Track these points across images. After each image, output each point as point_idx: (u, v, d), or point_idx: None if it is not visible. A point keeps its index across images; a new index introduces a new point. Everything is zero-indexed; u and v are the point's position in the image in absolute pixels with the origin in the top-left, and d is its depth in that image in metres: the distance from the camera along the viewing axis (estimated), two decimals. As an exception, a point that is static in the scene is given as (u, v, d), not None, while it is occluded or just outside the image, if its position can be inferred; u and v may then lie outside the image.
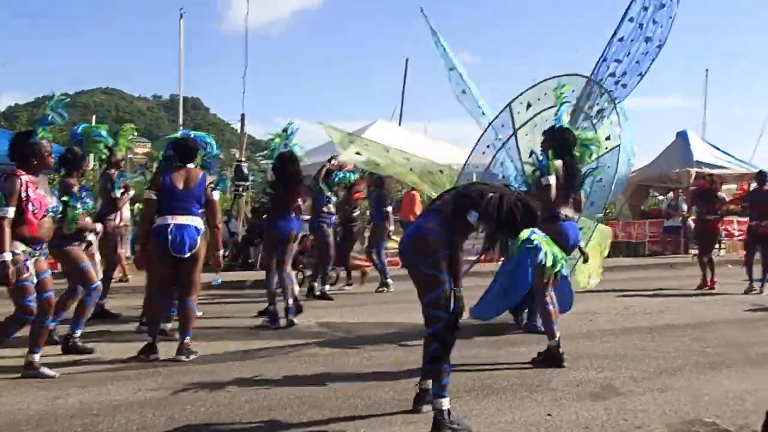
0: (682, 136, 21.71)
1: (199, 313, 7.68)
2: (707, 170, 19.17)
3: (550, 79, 7.17)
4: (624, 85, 7.48)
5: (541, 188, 6.02)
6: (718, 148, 21.04)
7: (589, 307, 9.52)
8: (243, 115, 17.76)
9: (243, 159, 17.12)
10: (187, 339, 6.31)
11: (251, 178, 16.71)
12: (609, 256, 20.81)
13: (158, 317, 6.55)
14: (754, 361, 6.09)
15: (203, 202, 6.41)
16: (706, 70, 52.38)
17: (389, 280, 11.54)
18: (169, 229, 6.12)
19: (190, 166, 6.51)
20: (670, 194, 20.97)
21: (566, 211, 6.15)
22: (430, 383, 4.35)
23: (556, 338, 5.87)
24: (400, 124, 26.17)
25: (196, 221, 6.31)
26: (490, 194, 4.21)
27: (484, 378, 5.50)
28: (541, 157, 6.18)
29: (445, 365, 4.19)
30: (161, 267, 6.31)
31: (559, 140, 6.26)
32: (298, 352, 6.69)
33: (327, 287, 10.73)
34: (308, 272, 11.39)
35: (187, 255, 6.17)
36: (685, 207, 18.93)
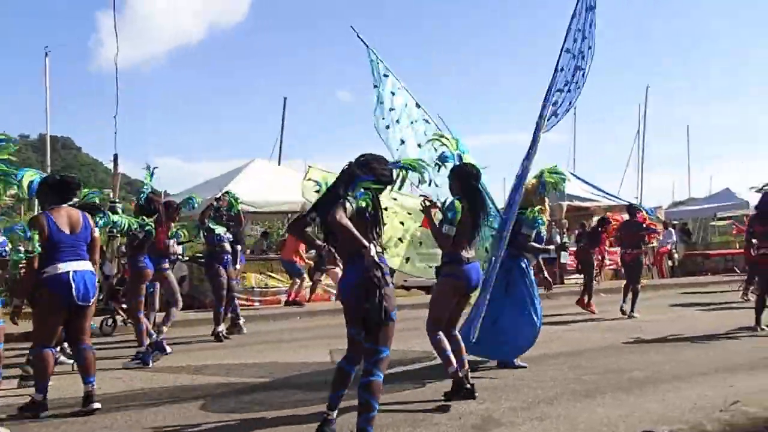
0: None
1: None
2: (578, 203, 20.11)
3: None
4: (556, 114, 7.24)
5: (442, 235, 6.01)
6: (587, 182, 21.96)
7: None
8: (116, 155, 17.15)
9: (117, 200, 16.53)
10: (93, 384, 5.97)
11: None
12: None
13: (51, 373, 6.01)
14: (626, 387, 6.29)
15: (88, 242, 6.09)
16: (575, 108, 55.03)
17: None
18: (71, 277, 5.78)
19: (68, 205, 6.08)
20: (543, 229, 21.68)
21: (468, 254, 6.00)
22: (335, 414, 4.80)
23: (455, 365, 5.84)
24: (279, 163, 26.09)
25: (89, 265, 6.03)
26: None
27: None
28: (447, 206, 6.05)
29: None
30: (58, 318, 5.88)
31: (463, 179, 6.09)
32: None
33: (221, 327, 10.33)
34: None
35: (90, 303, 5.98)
36: (558, 239, 19.59)
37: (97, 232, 6.28)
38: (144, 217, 8.25)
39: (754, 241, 9.98)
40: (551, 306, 14.47)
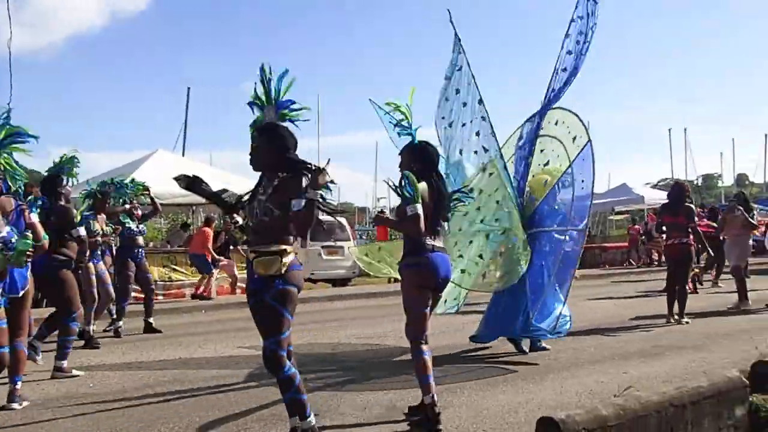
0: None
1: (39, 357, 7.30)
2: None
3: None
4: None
5: (406, 218, 4.91)
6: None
7: (377, 330, 9.76)
8: (12, 146, 16.53)
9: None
10: (19, 384, 5.73)
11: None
12: (397, 280, 21.43)
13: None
14: (526, 376, 6.48)
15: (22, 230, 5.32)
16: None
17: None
18: None
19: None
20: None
21: (433, 241, 5.06)
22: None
23: (431, 394, 4.83)
24: (183, 154, 25.64)
25: None
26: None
27: (273, 408, 5.43)
28: (403, 182, 4.95)
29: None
30: None
31: (421, 157, 5.27)
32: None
33: (121, 323, 9.95)
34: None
35: (21, 294, 5.57)
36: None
37: (33, 216, 5.64)
38: None
39: (663, 229, 10.40)
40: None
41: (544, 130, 7.79)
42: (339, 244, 19.49)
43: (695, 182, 65.61)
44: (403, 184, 4.92)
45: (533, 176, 7.76)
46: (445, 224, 5.51)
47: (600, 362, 7.09)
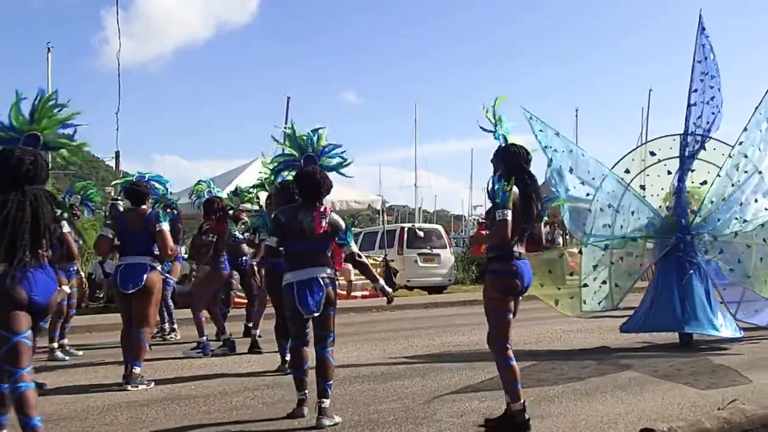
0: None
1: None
2: (581, 204, 20.13)
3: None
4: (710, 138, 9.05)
5: (496, 223, 4.80)
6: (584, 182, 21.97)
7: (472, 337, 9.76)
8: (118, 152, 17.22)
9: (119, 197, 16.55)
10: (137, 369, 6.77)
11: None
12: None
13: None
14: (625, 386, 6.37)
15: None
16: (576, 110, 55.32)
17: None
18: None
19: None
20: (547, 228, 21.73)
21: (520, 248, 4.96)
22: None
23: (522, 401, 4.86)
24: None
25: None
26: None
27: (370, 413, 5.51)
28: (496, 186, 4.85)
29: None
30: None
31: (509, 160, 5.07)
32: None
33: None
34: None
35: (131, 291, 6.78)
36: (560, 240, 19.67)
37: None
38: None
39: None
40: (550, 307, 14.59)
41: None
42: (435, 251, 19.52)
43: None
44: (495, 188, 4.82)
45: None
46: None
47: (702, 374, 6.89)
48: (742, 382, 6.42)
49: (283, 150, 6.45)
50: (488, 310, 5.08)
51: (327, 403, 5.26)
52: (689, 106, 9.06)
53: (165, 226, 6.95)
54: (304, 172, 5.72)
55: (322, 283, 5.37)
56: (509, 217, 4.77)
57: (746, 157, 8.89)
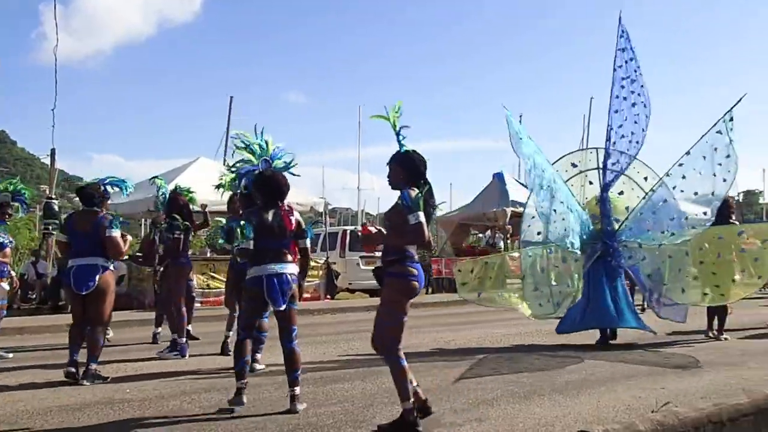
0: (498, 176, 22.93)
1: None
2: (522, 209, 20.43)
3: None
4: (638, 142, 9.62)
5: (412, 226, 4.89)
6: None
7: (413, 341, 9.78)
8: (53, 150, 16.76)
9: (53, 196, 16.15)
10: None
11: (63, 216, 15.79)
12: (432, 291, 21.56)
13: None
14: (562, 389, 6.45)
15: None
16: (521, 115, 55.89)
17: None
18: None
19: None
20: (488, 232, 22.01)
21: (415, 250, 5.14)
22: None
23: (411, 400, 4.96)
24: (225, 162, 25.83)
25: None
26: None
27: (309, 416, 5.48)
28: (411, 191, 4.99)
29: None
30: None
31: (409, 165, 5.15)
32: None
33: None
34: None
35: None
36: (502, 244, 19.89)
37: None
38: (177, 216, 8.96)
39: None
40: (495, 310, 14.74)
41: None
42: (377, 254, 19.51)
43: (737, 198, 64.52)
44: (414, 194, 4.95)
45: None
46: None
47: (637, 377, 7.02)
48: (676, 385, 6.55)
49: (242, 155, 6.57)
50: (385, 312, 5.09)
51: (298, 390, 5.74)
52: (612, 112, 9.60)
53: (115, 233, 7.15)
54: (267, 175, 6.12)
55: (290, 279, 5.84)
56: (423, 219, 4.91)
57: (684, 178, 9.41)
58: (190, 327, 10.09)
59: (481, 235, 25.98)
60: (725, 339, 9.69)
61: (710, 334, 9.85)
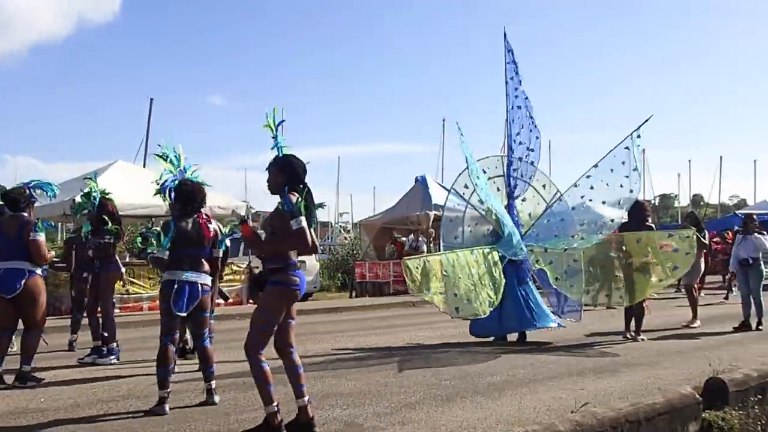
0: (421, 180, 23.08)
1: None
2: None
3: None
4: (532, 150, 10.32)
5: (295, 231, 4.91)
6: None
7: (336, 345, 9.75)
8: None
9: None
10: None
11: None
12: (356, 295, 21.55)
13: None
14: (484, 392, 6.52)
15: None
16: (443, 120, 56.46)
17: None
18: None
19: None
20: (411, 236, 22.10)
21: (296, 257, 5.17)
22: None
23: (275, 404, 5.00)
24: (144, 166, 25.27)
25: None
26: None
27: (230, 423, 5.39)
28: (292, 197, 5.00)
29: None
30: None
31: (289, 169, 5.16)
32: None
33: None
34: None
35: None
36: (425, 248, 20.00)
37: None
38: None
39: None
40: (418, 314, 14.81)
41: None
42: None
43: (653, 202, 66.84)
44: (295, 200, 4.96)
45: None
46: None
47: (557, 378, 7.15)
48: (595, 386, 6.70)
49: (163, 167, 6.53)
50: (260, 318, 5.10)
51: (214, 384, 6.18)
52: (509, 122, 10.48)
53: (39, 236, 7.20)
54: (186, 185, 6.22)
55: (201, 290, 6.04)
56: (305, 224, 4.94)
57: (592, 188, 10.01)
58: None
59: (404, 238, 26.10)
60: (642, 340, 9.96)
61: (628, 335, 10.11)
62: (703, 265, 12.43)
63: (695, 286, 12.04)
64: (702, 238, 11.93)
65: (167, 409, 5.73)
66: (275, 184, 5.16)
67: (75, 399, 6.44)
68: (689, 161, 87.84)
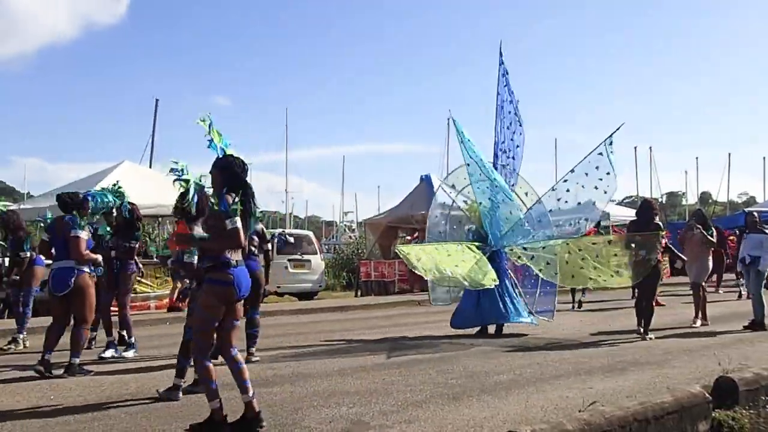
0: (425, 179, 23.03)
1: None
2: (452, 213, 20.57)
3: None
4: (513, 157, 11.26)
5: (228, 231, 5.00)
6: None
7: (341, 344, 9.71)
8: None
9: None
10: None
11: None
12: (361, 294, 21.51)
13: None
14: (491, 390, 6.48)
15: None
16: (448, 120, 56.44)
17: None
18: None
19: None
20: (416, 234, 22.03)
21: (237, 256, 5.18)
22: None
23: (218, 399, 5.07)
24: (150, 166, 25.30)
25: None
26: None
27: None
28: (214, 199, 5.18)
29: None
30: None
31: (228, 170, 5.22)
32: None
33: None
34: None
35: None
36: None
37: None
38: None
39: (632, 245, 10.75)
40: (425, 312, 14.76)
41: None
42: (306, 257, 19.42)
43: (660, 200, 66.70)
44: (215, 201, 5.10)
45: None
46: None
47: (564, 377, 7.11)
48: (603, 385, 6.66)
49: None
50: (199, 317, 5.23)
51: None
52: (497, 131, 11.26)
53: (79, 233, 7.52)
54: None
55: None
56: (239, 225, 5.04)
57: (568, 191, 10.59)
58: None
59: (408, 237, 26.05)
60: (650, 338, 9.92)
61: (640, 331, 10.08)
62: (711, 264, 12.34)
63: (703, 284, 11.94)
64: (710, 237, 11.85)
65: (180, 395, 6.09)
66: (215, 184, 5.26)
67: (84, 396, 6.44)
68: (697, 158, 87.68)
